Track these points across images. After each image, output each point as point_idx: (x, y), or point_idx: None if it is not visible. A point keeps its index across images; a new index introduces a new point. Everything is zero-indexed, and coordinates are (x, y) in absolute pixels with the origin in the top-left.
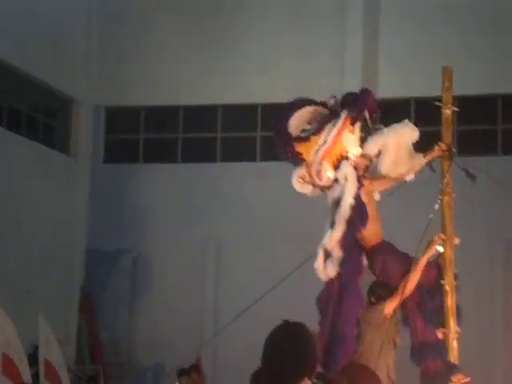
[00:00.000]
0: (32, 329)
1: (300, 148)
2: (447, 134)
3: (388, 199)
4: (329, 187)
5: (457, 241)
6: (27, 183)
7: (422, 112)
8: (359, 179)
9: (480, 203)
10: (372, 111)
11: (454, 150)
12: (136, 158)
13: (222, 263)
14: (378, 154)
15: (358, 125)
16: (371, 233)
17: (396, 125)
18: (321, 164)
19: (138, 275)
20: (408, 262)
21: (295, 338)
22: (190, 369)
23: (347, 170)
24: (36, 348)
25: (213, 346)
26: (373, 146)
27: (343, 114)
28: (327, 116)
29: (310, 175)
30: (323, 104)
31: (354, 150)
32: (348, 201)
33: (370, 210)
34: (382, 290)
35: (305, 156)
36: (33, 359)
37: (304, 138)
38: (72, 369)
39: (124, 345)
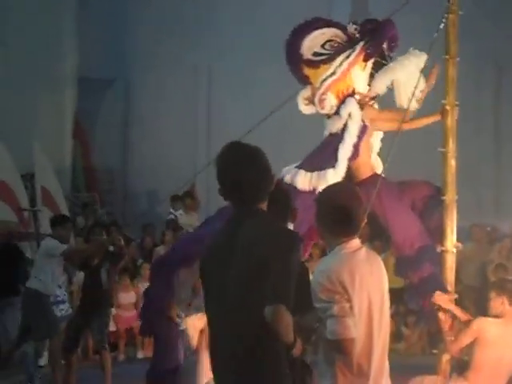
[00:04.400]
0: (28, 157)
1: (308, 72)
2: None
3: (396, 16)
4: (329, 116)
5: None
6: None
7: None
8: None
9: (482, 25)
10: (392, 41)
11: None
12: None
13: (213, 89)
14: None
15: (370, 61)
16: (362, 164)
17: (401, 57)
18: (325, 94)
19: (131, 103)
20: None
21: (242, 151)
22: (184, 195)
23: (352, 108)
24: (32, 176)
25: (206, 173)
26: (381, 85)
27: (358, 47)
28: (343, 44)
29: (313, 100)
30: (343, 28)
31: (361, 88)
32: (352, 140)
33: (366, 141)
34: None
35: (312, 80)
36: (30, 188)
37: (314, 65)
38: (68, 196)
39: (118, 173)
